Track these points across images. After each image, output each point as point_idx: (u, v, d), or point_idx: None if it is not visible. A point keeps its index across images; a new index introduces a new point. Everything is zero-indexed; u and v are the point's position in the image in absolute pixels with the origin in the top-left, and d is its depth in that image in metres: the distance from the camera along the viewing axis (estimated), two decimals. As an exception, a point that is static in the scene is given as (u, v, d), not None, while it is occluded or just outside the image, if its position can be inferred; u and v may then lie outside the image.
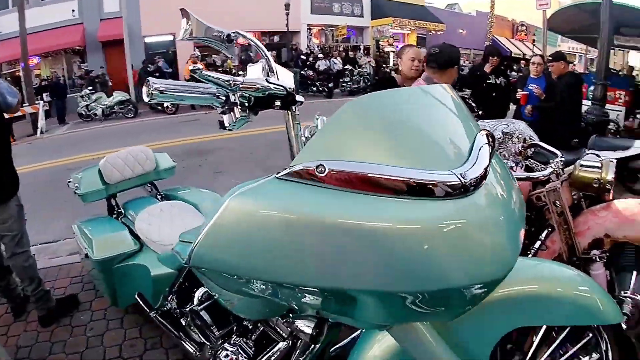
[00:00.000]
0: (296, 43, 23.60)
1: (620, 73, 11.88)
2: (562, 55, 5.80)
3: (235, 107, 1.07)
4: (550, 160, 2.33)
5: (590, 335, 1.51)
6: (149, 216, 2.31)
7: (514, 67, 26.97)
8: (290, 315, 1.38)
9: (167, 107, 13.76)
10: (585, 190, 2.35)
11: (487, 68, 5.86)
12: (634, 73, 13.77)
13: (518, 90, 5.74)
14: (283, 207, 0.84)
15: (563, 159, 2.31)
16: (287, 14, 20.22)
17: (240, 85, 1.05)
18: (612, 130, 6.09)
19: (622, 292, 2.19)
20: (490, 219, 0.89)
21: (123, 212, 2.65)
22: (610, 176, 2.20)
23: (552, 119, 5.30)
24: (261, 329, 1.58)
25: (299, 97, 1.18)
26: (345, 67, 20.54)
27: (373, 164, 0.83)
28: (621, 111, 7.86)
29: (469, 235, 0.84)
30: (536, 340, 1.49)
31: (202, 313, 1.68)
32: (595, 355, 1.53)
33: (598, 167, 2.25)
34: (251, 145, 8.15)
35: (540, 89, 5.52)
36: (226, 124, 1.11)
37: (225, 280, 0.99)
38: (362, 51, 25.00)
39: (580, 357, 1.52)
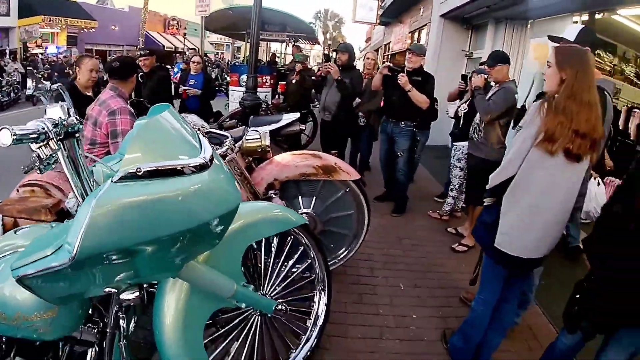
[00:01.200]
0: None
1: (264, 61, 14.17)
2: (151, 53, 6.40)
3: (50, 142, 1.43)
4: (224, 141, 3.12)
5: (292, 237, 2.52)
6: None
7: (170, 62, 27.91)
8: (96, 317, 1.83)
9: None
10: (253, 155, 3.42)
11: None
12: (277, 59, 16.52)
13: (181, 86, 6.69)
14: (125, 198, 1.33)
15: (232, 138, 3.16)
16: None
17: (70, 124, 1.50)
18: (263, 108, 7.41)
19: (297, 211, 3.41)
20: (221, 178, 1.58)
21: None
22: (267, 142, 3.32)
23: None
24: (67, 351, 1.82)
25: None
26: None
27: (162, 162, 1.41)
28: (268, 92, 9.70)
29: (212, 190, 1.51)
30: (262, 253, 2.43)
31: None
32: (300, 248, 2.59)
33: (258, 138, 3.31)
34: None
35: (198, 85, 6.69)
36: (43, 156, 1.43)
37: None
38: (9, 56, 21.51)
39: (292, 256, 2.56)
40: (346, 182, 3.47)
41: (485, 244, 2.50)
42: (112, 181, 1.34)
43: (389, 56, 20.18)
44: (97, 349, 1.80)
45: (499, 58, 4.28)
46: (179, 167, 1.43)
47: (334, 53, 6.32)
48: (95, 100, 3.56)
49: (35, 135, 1.36)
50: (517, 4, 7.05)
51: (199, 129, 3.52)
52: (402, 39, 16.31)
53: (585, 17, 6.07)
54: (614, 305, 1.94)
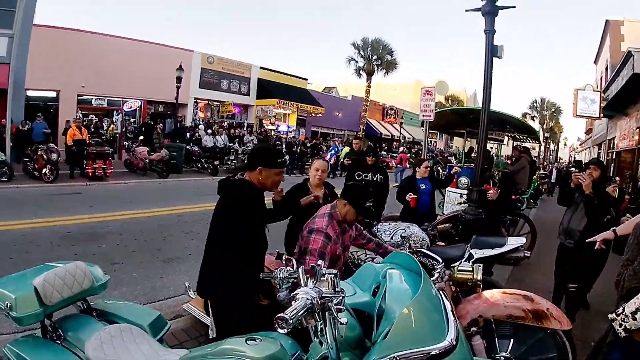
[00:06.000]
0: (182, 116, 23.79)
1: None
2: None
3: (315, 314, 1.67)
4: (436, 266, 3.10)
5: None
6: (101, 343, 2.22)
7: (384, 146, 29.69)
8: None
9: (45, 173, 12.47)
10: (462, 287, 3.30)
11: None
12: (492, 156, 16.06)
13: (409, 194, 6.45)
14: None
15: (442, 264, 3.13)
16: (178, 87, 20.27)
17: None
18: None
19: (497, 354, 3.21)
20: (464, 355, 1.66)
21: (62, 334, 2.46)
22: (479, 276, 3.23)
23: None
24: None
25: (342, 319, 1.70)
26: (231, 144, 20.87)
27: (414, 350, 1.53)
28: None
29: None
30: None
31: None
32: None
33: (470, 271, 3.24)
34: (142, 230, 7.99)
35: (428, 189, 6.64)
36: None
37: None
38: (246, 129, 25.61)
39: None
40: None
41: None
42: None
43: (614, 153, 18.38)
44: None
45: None
46: (429, 353, 1.52)
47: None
48: None
49: (304, 312, 1.58)
50: None
51: (410, 245, 3.78)
52: (629, 135, 14.85)
53: None
54: None
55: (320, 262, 1.85)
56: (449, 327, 1.65)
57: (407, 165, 21.65)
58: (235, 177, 3.10)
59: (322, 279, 1.75)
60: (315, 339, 1.87)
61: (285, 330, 1.53)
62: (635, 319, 2.16)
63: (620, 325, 2.22)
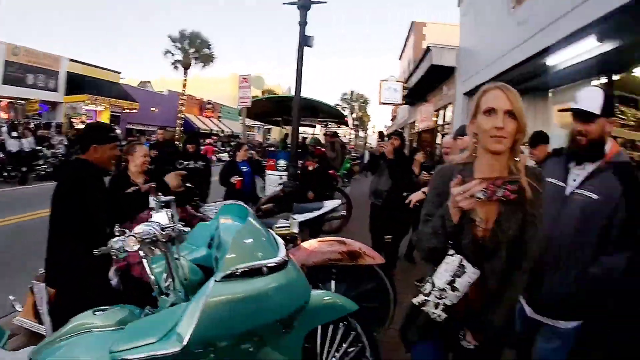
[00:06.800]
0: (-19, 118, 20.50)
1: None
2: None
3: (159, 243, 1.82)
4: None
5: (345, 323, 2.46)
6: None
7: (201, 141, 29.42)
8: None
9: None
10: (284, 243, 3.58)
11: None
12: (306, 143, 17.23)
13: (235, 177, 6.67)
14: (229, 295, 1.69)
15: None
16: (-22, 85, 17.28)
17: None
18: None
19: None
20: (297, 273, 1.95)
21: None
22: (295, 230, 3.70)
23: None
24: None
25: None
26: (38, 148, 18.18)
27: (253, 263, 1.78)
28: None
29: (293, 284, 1.87)
30: (319, 341, 2.42)
31: None
32: (353, 334, 2.52)
33: (287, 226, 3.72)
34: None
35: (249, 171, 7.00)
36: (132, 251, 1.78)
37: None
38: (54, 129, 23.02)
39: (343, 344, 2.50)
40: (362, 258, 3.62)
41: None
42: (215, 280, 1.67)
43: (415, 134, 21.24)
44: None
45: (541, 138, 4.51)
46: (265, 266, 1.78)
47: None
48: None
49: (153, 239, 1.76)
50: (537, 76, 7.55)
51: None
52: (428, 117, 17.19)
53: (604, 79, 6.39)
54: None
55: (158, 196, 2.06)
56: (279, 248, 1.96)
57: (213, 157, 23.04)
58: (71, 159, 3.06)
59: (159, 210, 1.94)
60: (163, 296, 1.99)
61: (136, 247, 1.70)
62: (455, 289, 1.71)
63: (436, 306, 1.74)
